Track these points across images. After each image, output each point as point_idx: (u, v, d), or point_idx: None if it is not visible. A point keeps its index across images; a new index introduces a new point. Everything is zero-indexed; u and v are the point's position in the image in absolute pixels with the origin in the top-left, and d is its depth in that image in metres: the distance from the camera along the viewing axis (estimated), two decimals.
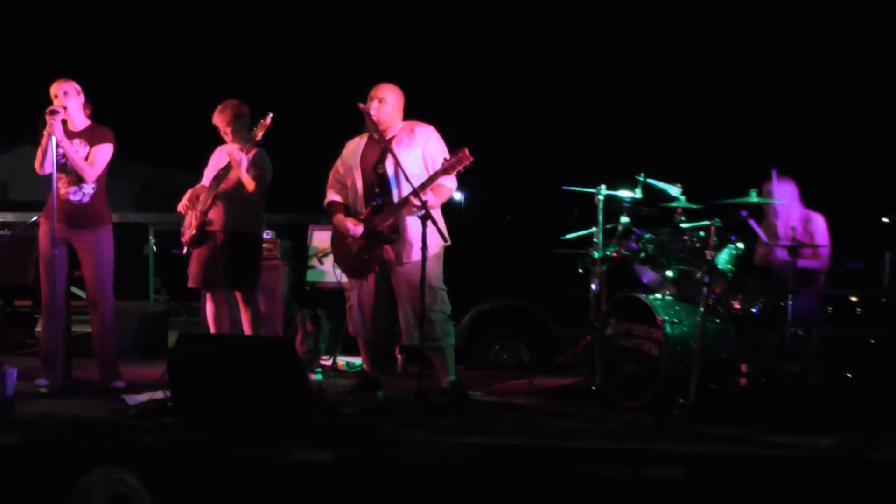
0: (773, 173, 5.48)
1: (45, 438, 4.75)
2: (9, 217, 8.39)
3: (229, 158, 5.68)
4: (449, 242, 5.09)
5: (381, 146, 5.27)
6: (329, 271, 6.50)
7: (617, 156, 7.15)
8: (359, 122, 5.51)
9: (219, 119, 5.89)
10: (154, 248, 9.43)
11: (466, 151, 4.95)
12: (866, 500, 4.20)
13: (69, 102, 5.59)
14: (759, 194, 5.39)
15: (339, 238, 5.46)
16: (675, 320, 5.14)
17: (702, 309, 4.95)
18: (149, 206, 11.53)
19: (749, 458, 4.32)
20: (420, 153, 5.27)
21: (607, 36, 7.94)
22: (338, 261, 5.51)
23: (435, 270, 5.24)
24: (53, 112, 5.45)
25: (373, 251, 5.27)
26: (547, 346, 6.90)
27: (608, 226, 5.68)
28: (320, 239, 6.61)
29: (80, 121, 5.67)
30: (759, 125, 7.23)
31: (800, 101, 7.25)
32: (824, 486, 4.21)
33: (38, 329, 7.38)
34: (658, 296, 5.34)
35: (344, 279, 5.61)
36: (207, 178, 5.99)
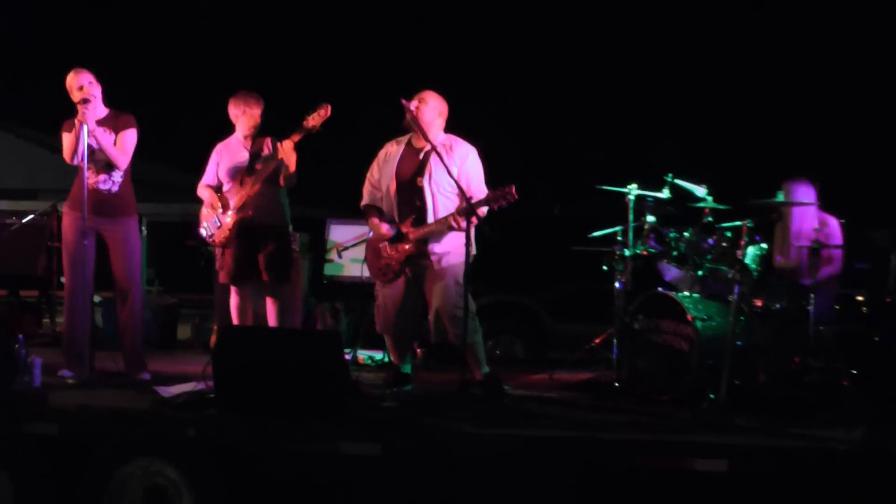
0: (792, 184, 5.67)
1: (85, 430, 4.76)
2: None
3: (282, 152, 5.67)
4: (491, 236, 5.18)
5: (420, 157, 5.35)
6: (347, 265, 6.54)
7: (643, 156, 7.27)
8: (380, 118, 5.57)
9: (257, 110, 5.91)
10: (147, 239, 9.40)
11: (513, 189, 5.00)
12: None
13: (94, 92, 5.55)
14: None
15: (372, 241, 5.52)
16: (705, 317, 5.27)
17: (733, 307, 5.08)
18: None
19: (786, 449, 4.45)
20: (456, 171, 5.28)
21: (638, 37, 8.06)
22: (368, 263, 5.56)
23: (463, 269, 5.27)
24: (85, 101, 5.43)
25: (407, 256, 5.34)
26: (540, 341, 7.02)
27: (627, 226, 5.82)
28: (338, 233, 6.63)
29: (100, 109, 5.64)
30: (783, 127, 7.40)
31: (826, 104, 7.43)
32: (858, 476, 4.37)
33: (46, 320, 7.35)
34: (686, 293, 5.47)
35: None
36: (222, 174, 5.98)
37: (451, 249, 5.28)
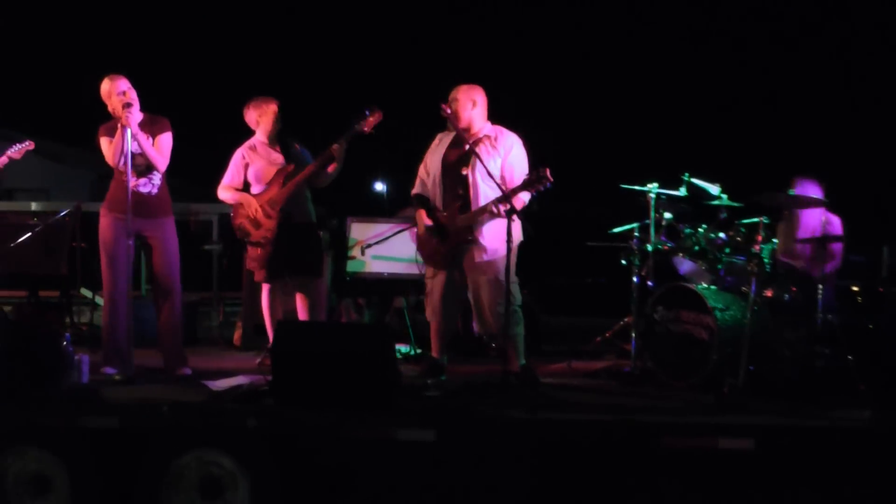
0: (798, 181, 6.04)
1: (145, 423, 4.95)
2: None
3: (335, 154, 5.95)
4: (533, 235, 5.46)
5: (465, 147, 5.59)
6: (368, 262, 6.78)
7: (658, 154, 7.60)
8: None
9: (273, 107, 6.16)
10: None
11: (548, 172, 5.27)
12: None
13: (134, 97, 5.73)
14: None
15: (420, 231, 5.80)
16: (723, 307, 5.62)
17: (751, 298, 5.41)
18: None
19: (805, 428, 4.81)
20: (500, 162, 5.59)
21: (651, 39, 8.35)
22: (419, 249, 5.86)
23: (506, 265, 5.52)
24: (129, 105, 5.61)
25: (450, 246, 5.61)
26: (533, 333, 7.25)
27: (646, 220, 6.16)
28: (359, 231, 6.87)
29: (137, 114, 5.79)
30: (792, 128, 7.76)
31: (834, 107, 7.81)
32: (873, 453, 4.74)
33: (67, 320, 7.47)
34: (704, 286, 5.81)
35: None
36: (253, 176, 6.21)
37: (493, 244, 5.55)
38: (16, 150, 6.04)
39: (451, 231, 5.61)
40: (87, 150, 12.50)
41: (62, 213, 7.14)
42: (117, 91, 5.69)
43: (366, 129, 5.93)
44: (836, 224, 6.18)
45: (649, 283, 6.09)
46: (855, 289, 6.25)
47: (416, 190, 5.86)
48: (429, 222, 5.68)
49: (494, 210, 5.37)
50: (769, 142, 7.60)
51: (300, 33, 8.88)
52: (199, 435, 4.89)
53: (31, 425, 4.95)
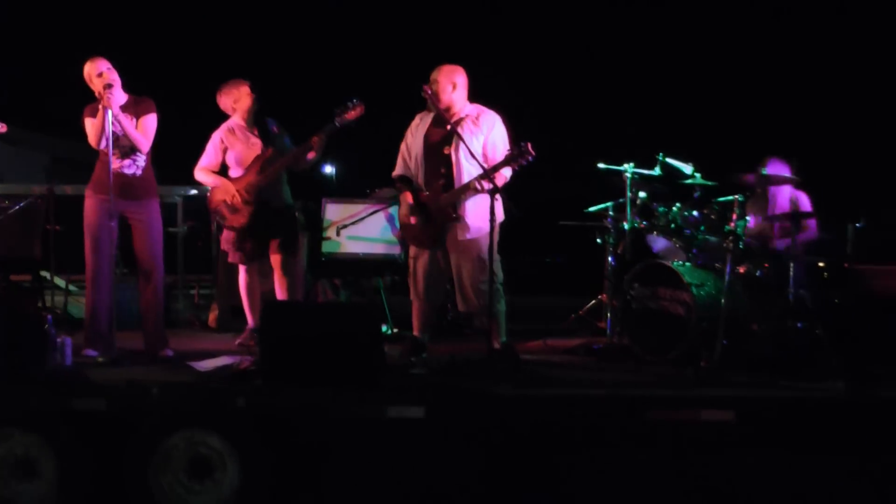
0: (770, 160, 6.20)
1: (133, 404, 4.95)
2: None
3: (314, 145, 6.03)
4: (518, 214, 5.54)
5: (447, 127, 5.63)
6: (344, 242, 6.82)
7: (630, 134, 7.72)
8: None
9: (245, 88, 6.18)
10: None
11: (530, 146, 5.35)
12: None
13: (114, 78, 5.70)
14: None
15: (404, 213, 5.82)
16: (699, 283, 5.76)
17: (727, 274, 5.56)
18: (61, 177, 11.44)
19: (784, 400, 4.99)
20: (482, 140, 5.66)
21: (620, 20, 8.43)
22: (403, 230, 5.91)
23: (488, 243, 5.58)
24: (109, 86, 5.58)
25: (434, 226, 5.67)
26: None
27: (620, 200, 6.30)
28: (333, 212, 6.90)
29: (120, 95, 5.78)
30: (764, 108, 7.94)
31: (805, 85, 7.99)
32: (849, 421, 4.91)
33: (39, 304, 7.38)
34: (679, 262, 5.95)
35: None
36: (232, 160, 6.23)
37: (477, 223, 5.60)
38: None
39: (435, 210, 5.67)
40: (40, 133, 12.37)
41: (35, 196, 7.06)
42: (96, 72, 5.65)
43: (346, 121, 5.99)
44: (804, 201, 6.36)
45: (610, 259, 6.20)
46: (821, 265, 6.42)
47: (397, 171, 5.90)
48: (409, 201, 5.73)
49: (478, 187, 5.43)
50: (740, 121, 7.76)
51: (268, 12, 8.84)
52: (188, 415, 4.89)
53: (15, 408, 4.93)
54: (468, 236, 5.65)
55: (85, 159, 7.89)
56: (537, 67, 8.47)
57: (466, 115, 5.71)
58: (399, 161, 5.91)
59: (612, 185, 6.36)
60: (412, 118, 5.98)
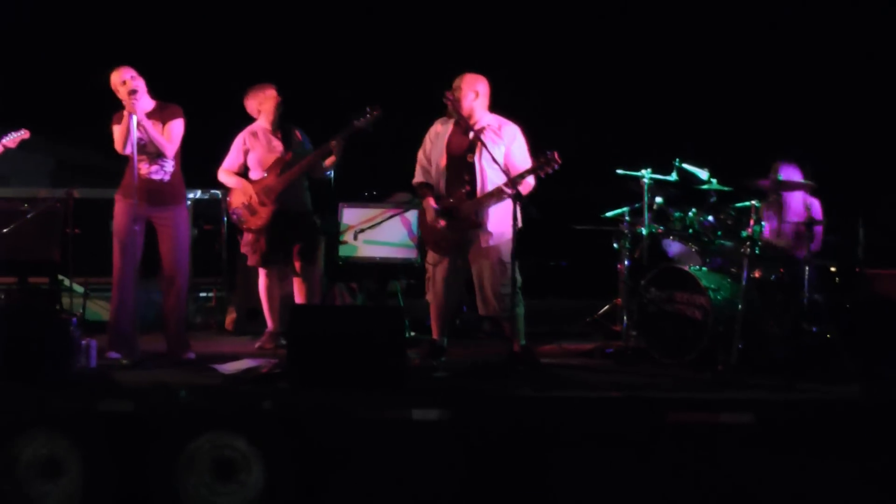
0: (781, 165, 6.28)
1: (161, 406, 5.01)
2: None
3: (333, 149, 6.11)
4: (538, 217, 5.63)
5: (470, 135, 5.75)
6: (360, 246, 6.89)
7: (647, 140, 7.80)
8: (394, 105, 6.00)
9: (272, 92, 6.24)
10: None
11: (556, 155, 5.46)
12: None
13: (138, 84, 5.77)
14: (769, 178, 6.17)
15: (429, 219, 5.88)
16: (716, 288, 5.84)
17: (745, 279, 5.63)
18: (66, 181, 11.47)
19: (799, 402, 5.03)
20: (503, 150, 5.78)
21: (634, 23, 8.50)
22: (424, 237, 5.98)
23: (509, 248, 5.63)
24: (133, 92, 5.66)
25: (457, 232, 5.75)
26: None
27: (636, 205, 6.38)
28: (350, 216, 6.97)
29: (146, 102, 5.86)
30: (778, 112, 8.03)
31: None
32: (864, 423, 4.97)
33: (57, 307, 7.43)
34: (696, 267, 6.03)
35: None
36: (253, 162, 6.31)
37: (499, 228, 5.72)
38: (10, 139, 6.01)
39: (458, 217, 5.74)
40: (45, 138, 12.40)
41: (54, 200, 7.11)
42: (121, 80, 5.74)
43: (363, 125, 6.08)
44: (816, 207, 6.45)
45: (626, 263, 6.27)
46: (833, 269, 6.50)
47: (418, 178, 5.97)
48: (434, 204, 5.80)
49: (506, 190, 5.51)
50: (755, 126, 7.84)
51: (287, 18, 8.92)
52: (214, 417, 4.97)
53: (43, 409, 5.00)
54: (491, 242, 5.74)
55: (90, 163, 7.96)
56: (550, 71, 8.53)
57: (488, 125, 5.80)
58: (418, 168, 5.98)
59: (628, 190, 6.44)
60: (424, 122, 6.08)
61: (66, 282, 7.23)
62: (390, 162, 6.58)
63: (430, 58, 7.99)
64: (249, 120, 6.50)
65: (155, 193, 5.81)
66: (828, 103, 7.92)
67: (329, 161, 6.25)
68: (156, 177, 5.84)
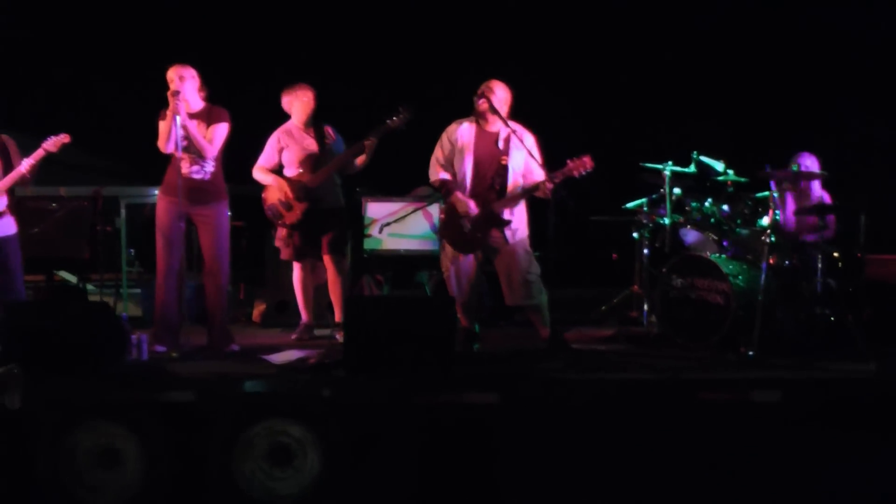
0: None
1: (221, 395, 5.20)
2: None
3: (366, 148, 6.33)
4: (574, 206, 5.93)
5: (498, 139, 6.06)
6: (385, 239, 7.11)
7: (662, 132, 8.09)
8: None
9: (309, 95, 6.43)
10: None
11: (589, 159, 5.80)
12: None
13: (185, 86, 5.93)
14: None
15: (453, 214, 6.10)
16: (736, 274, 6.15)
17: (765, 265, 5.95)
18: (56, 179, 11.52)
19: (820, 380, 5.37)
20: (524, 155, 6.07)
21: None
22: (446, 235, 6.18)
23: (527, 239, 6.09)
24: (176, 93, 5.81)
25: (486, 230, 6.01)
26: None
27: (653, 196, 6.70)
28: (374, 210, 7.18)
29: (195, 103, 6.03)
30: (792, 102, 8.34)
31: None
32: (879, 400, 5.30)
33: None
34: (715, 255, 6.34)
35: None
36: (287, 159, 6.52)
37: (520, 224, 6.09)
38: (51, 143, 6.11)
39: (487, 216, 6.01)
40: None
41: (82, 198, 7.24)
42: (169, 78, 5.91)
43: (395, 126, 6.31)
44: (827, 198, 6.78)
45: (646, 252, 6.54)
46: (836, 255, 6.83)
47: (439, 176, 6.14)
48: (474, 208, 6.00)
49: (550, 186, 5.82)
50: (769, 117, 8.15)
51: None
52: (271, 405, 5.17)
53: (103, 400, 5.17)
54: (516, 237, 6.05)
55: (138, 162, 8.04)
56: (560, 67, 8.77)
57: (513, 129, 6.05)
58: (437, 167, 6.15)
59: (643, 182, 6.76)
60: (441, 117, 6.30)
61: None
62: (412, 157, 6.76)
63: (448, 54, 8.22)
64: (277, 117, 6.67)
65: (196, 192, 5.96)
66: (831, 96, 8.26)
67: (360, 160, 6.47)
68: (196, 176, 5.99)
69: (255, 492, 5.06)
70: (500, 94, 6.04)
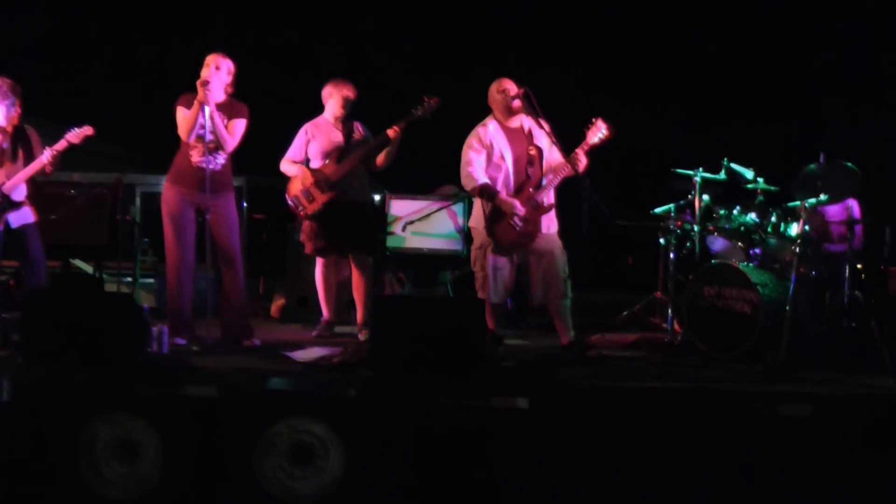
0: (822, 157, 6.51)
1: (244, 391, 5.13)
2: None
3: (391, 137, 6.21)
4: (609, 215, 5.87)
5: (525, 132, 6.04)
6: (408, 237, 7.04)
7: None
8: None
9: (349, 93, 6.38)
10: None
11: (601, 120, 5.88)
12: None
13: (217, 76, 5.87)
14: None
15: (500, 215, 5.93)
16: (763, 283, 6.08)
17: (794, 276, 5.89)
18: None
19: (853, 396, 5.26)
20: (547, 141, 6.06)
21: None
22: (499, 237, 5.95)
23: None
24: (205, 83, 5.74)
25: (535, 224, 5.94)
26: (520, 305, 7.62)
27: (681, 202, 6.64)
28: (398, 208, 7.12)
29: (218, 94, 5.94)
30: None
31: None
32: None
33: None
34: (744, 263, 6.27)
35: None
36: (313, 152, 6.44)
37: (554, 219, 6.02)
38: (74, 134, 6.04)
39: (533, 207, 5.93)
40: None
41: (102, 185, 7.18)
42: (207, 64, 5.86)
43: (421, 115, 6.22)
44: (855, 207, 6.72)
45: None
46: (860, 267, 6.78)
47: (482, 180, 5.97)
48: (521, 208, 5.90)
49: (581, 160, 5.84)
50: (801, 125, 8.11)
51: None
52: (293, 403, 5.11)
53: (123, 393, 5.11)
54: (553, 229, 6.02)
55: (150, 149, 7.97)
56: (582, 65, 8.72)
57: (530, 122, 6.07)
58: (476, 173, 5.97)
59: (674, 189, 6.70)
60: (466, 115, 6.23)
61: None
62: (436, 155, 6.70)
63: (472, 51, 8.17)
64: (304, 110, 6.60)
65: (205, 182, 5.83)
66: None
67: (382, 157, 6.38)
68: (209, 166, 5.88)
69: (275, 490, 5.00)
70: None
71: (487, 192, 5.94)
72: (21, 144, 6.10)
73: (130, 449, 5.07)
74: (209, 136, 5.80)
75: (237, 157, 6.19)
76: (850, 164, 6.14)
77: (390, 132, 6.27)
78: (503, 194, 5.94)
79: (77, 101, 8.95)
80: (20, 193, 6.09)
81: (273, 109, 6.65)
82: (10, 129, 6.12)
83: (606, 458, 4.94)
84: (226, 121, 5.94)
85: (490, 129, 6.06)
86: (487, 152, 6.01)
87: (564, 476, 4.94)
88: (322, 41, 8.82)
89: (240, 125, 5.98)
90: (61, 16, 9.44)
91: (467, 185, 6.04)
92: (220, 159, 5.97)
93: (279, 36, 8.91)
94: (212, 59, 5.87)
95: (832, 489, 4.95)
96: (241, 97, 6.08)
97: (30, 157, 6.07)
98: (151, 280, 8.03)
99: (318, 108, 6.57)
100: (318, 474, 5.01)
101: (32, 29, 9.29)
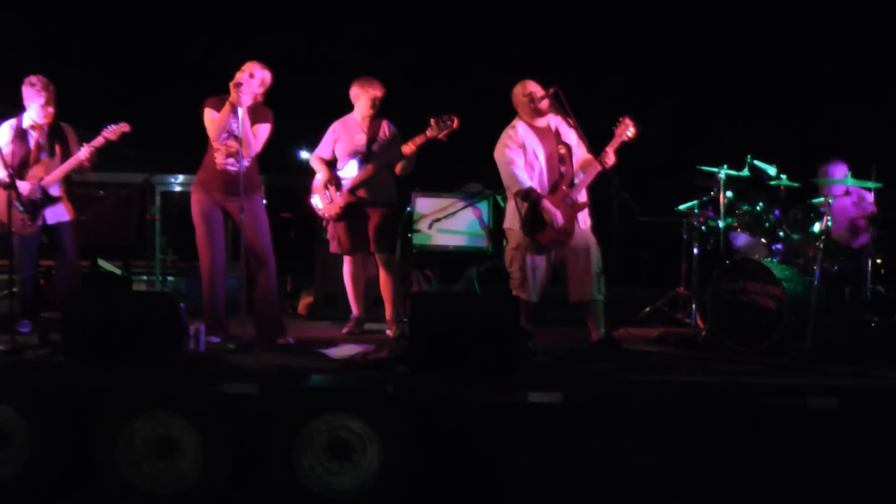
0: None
1: (285, 388, 5.21)
2: None
3: (406, 154, 6.36)
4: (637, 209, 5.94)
5: (553, 130, 6.13)
6: (434, 235, 7.12)
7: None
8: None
9: (377, 93, 6.44)
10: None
11: (627, 119, 5.97)
12: None
13: (251, 82, 5.95)
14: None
15: (539, 218, 6.00)
16: (788, 278, 6.17)
17: (818, 271, 5.98)
18: None
19: (882, 388, 5.34)
20: (575, 138, 6.15)
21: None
22: (543, 239, 6.03)
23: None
24: (238, 85, 5.80)
25: (571, 222, 6.04)
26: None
27: (704, 198, 6.73)
28: (423, 205, 7.19)
29: (246, 100, 5.97)
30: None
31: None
32: None
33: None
34: (767, 259, 6.36)
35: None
36: (338, 151, 6.51)
37: (587, 216, 6.11)
38: (111, 131, 6.12)
39: (569, 206, 6.02)
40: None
41: (131, 186, 7.26)
42: (244, 69, 5.96)
43: (439, 136, 6.34)
44: (868, 198, 6.80)
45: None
46: (879, 261, 6.86)
47: (527, 185, 6.00)
48: (560, 219, 5.97)
49: (610, 157, 5.94)
50: (825, 122, 8.19)
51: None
52: (331, 400, 5.18)
53: (163, 390, 5.19)
54: (589, 223, 6.11)
55: (167, 148, 8.00)
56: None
57: (568, 119, 6.15)
58: (520, 172, 6.02)
59: (691, 185, 6.79)
60: (492, 116, 6.31)
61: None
62: (462, 152, 6.77)
63: (493, 54, 8.23)
64: (330, 110, 6.68)
65: (233, 184, 5.90)
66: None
67: (399, 168, 6.49)
68: (233, 168, 5.98)
69: (313, 485, 5.07)
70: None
71: (532, 197, 6.00)
72: (58, 141, 6.20)
73: (170, 446, 5.15)
74: (223, 135, 5.87)
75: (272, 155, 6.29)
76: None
77: (405, 149, 6.36)
78: (546, 202, 6.00)
79: (77, 101, 9.02)
80: (56, 190, 6.17)
81: (296, 108, 6.70)
82: (45, 126, 6.20)
83: (642, 450, 5.01)
84: (250, 125, 6.00)
85: (520, 131, 6.13)
86: (528, 152, 6.09)
87: (598, 470, 5.03)
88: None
89: (264, 129, 6.06)
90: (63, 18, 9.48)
91: (511, 185, 6.05)
92: (245, 162, 6.04)
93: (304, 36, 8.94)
94: (248, 66, 5.97)
95: (859, 480, 5.03)
96: (268, 103, 6.17)
97: (66, 154, 6.16)
98: (171, 278, 8.09)
99: (344, 108, 6.66)
100: (356, 470, 5.07)
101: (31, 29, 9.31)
